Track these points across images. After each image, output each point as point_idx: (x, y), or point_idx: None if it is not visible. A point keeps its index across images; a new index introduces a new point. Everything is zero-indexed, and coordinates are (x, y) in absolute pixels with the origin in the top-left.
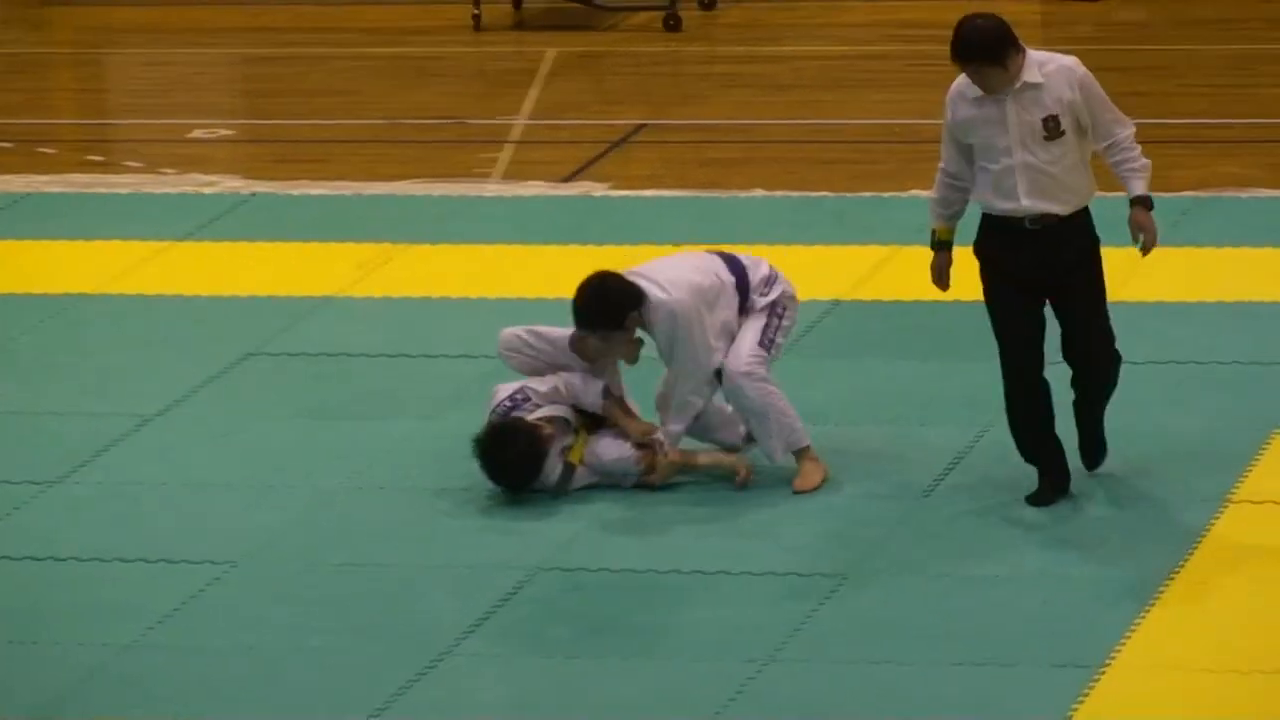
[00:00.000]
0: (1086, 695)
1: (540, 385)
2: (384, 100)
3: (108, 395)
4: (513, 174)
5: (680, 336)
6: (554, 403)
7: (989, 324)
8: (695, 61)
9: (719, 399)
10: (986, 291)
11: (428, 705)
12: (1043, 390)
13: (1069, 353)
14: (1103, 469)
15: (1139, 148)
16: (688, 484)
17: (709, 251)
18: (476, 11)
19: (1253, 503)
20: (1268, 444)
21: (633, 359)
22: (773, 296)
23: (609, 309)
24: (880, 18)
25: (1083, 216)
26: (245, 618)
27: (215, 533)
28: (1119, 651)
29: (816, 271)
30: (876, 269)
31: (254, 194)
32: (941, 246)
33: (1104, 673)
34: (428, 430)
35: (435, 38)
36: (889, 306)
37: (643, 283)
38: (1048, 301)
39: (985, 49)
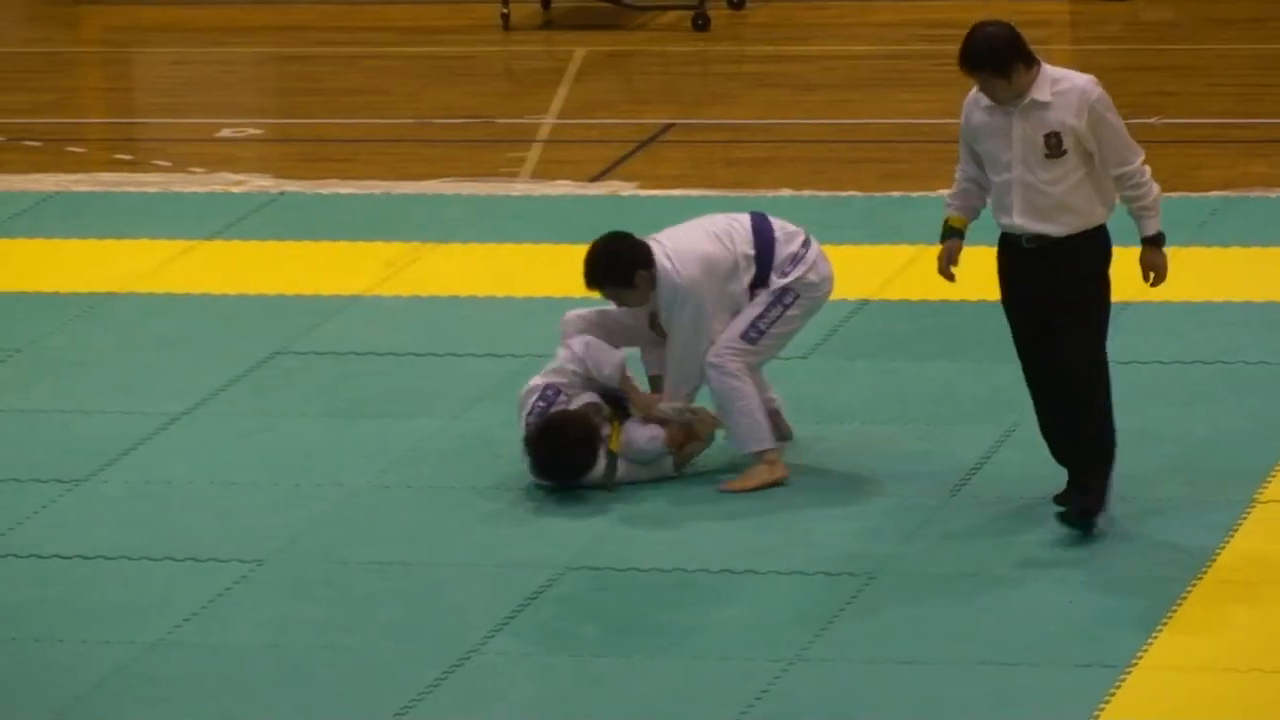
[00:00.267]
0: (1112, 696)
1: (563, 377)
2: (412, 99)
3: (135, 394)
4: (541, 173)
5: (679, 313)
6: (584, 390)
7: None
8: (723, 61)
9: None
10: (1002, 300)
11: (454, 704)
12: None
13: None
14: (1127, 471)
15: (1150, 178)
16: (718, 479)
17: (745, 214)
18: (505, 11)
19: (1279, 503)
20: None
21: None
22: (788, 280)
23: (617, 266)
24: (908, 17)
25: (1087, 238)
26: (272, 616)
27: (242, 531)
28: (1144, 652)
29: (844, 271)
30: (904, 269)
31: (282, 193)
32: (951, 233)
33: (1129, 673)
34: (454, 429)
35: (464, 37)
36: (917, 306)
37: (655, 248)
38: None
39: (989, 59)
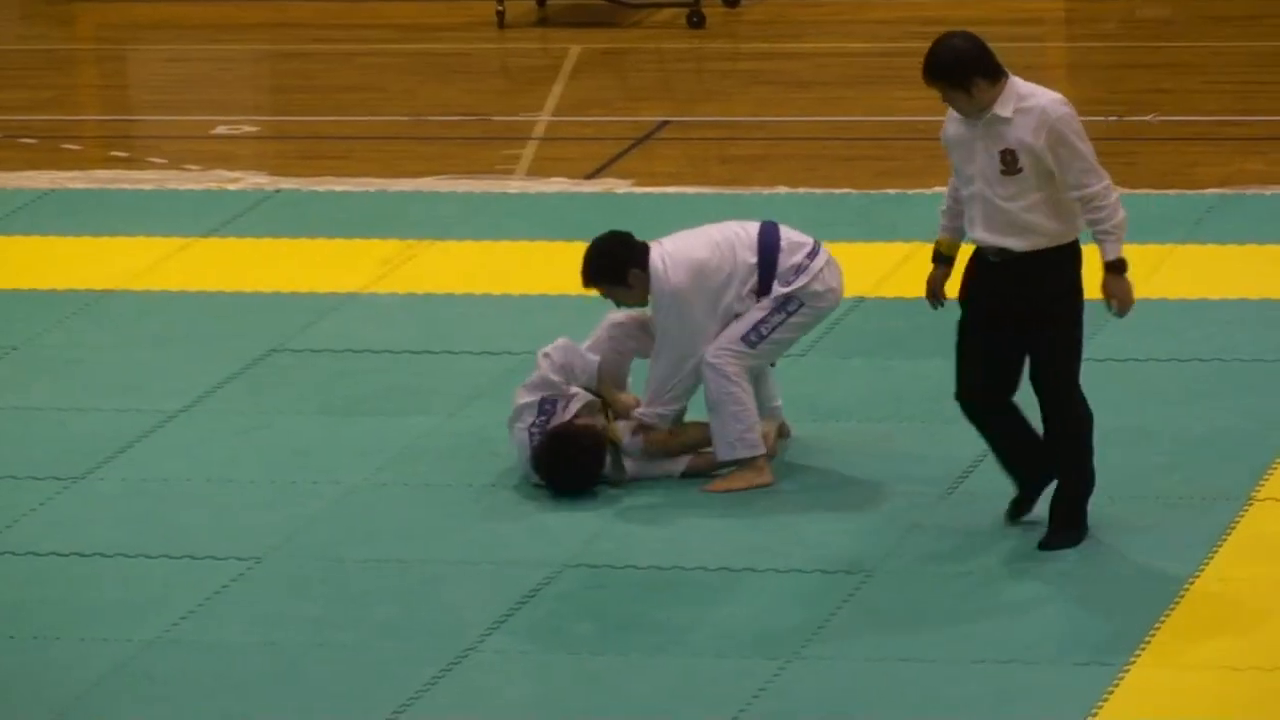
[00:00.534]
0: (1110, 694)
1: (550, 389)
2: (408, 97)
3: (132, 391)
4: (536, 171)
5: (664, 317)
6: (573, 390)
7: None
8: (718, 58)
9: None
10: (959, 301)
11: (451, 702)
12: (993, 411)
13: (1034, 385)
14: (1124, 470)
15: (1113, 203)
16: (713, 479)
17: (756, 222)
18: (500, 8)
19: (1276, 500)
20: None
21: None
22: (792, 288)
23: (611, 264)
24: (903, 14)
25: (1053, 256)
26: (268, 613)
27: (239, 529)
28: (1142, 650)
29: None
30: (899, 266)
31: (278, 190)
32: (939, 260)
33: (1127, 671)
34: (451, 427)
35: (459, 34)
36: (912, 304)
37: (654, 250)
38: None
39: (947, 72)
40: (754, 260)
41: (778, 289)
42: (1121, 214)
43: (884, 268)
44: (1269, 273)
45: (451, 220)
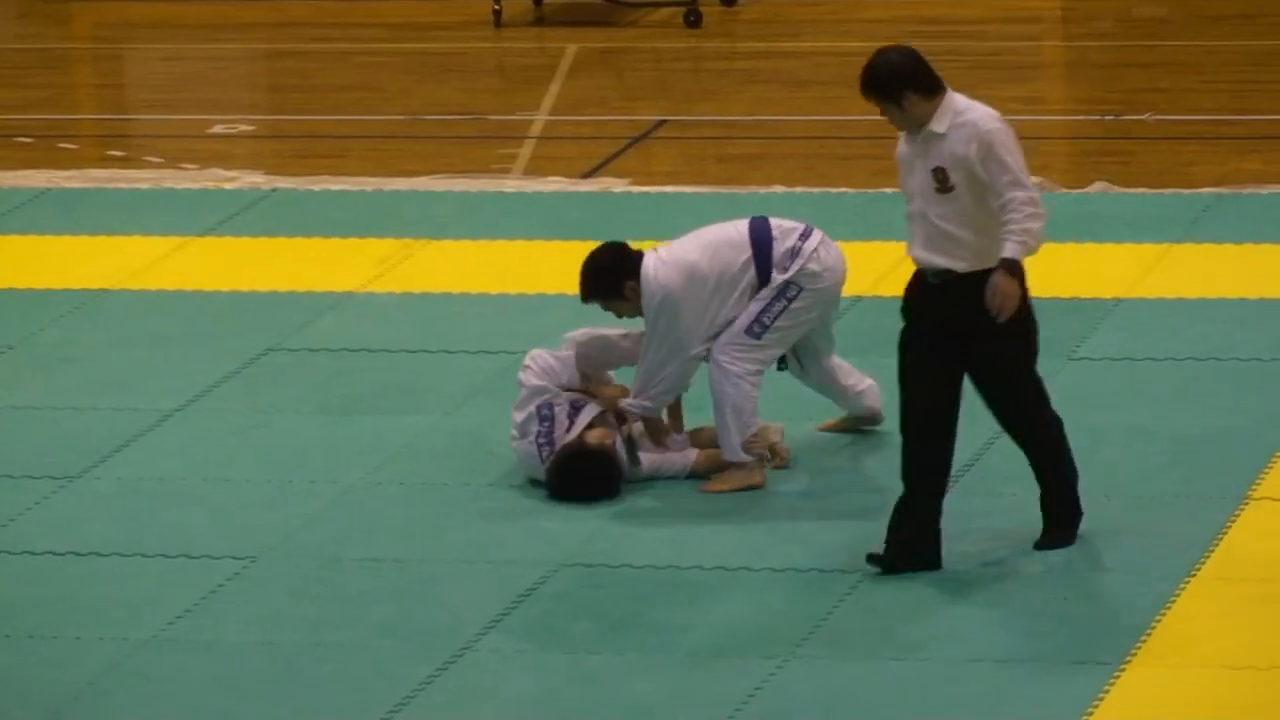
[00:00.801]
0: (1106, 693)
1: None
2: (404, 96)
3: (128, 390)
4: (533, 170)
5: (654, 319)
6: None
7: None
8: (715, 57)
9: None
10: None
11: (448, 701)
12: (920, 437)
13: (989, 406)
14: (1121, 469)
15: (1031, 213)
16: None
17: (745, 220)
18: (497, 7)
19: (1273, 500)
20: None
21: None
22: (790, 274)
23: (606, 279)
24: (899, 13)
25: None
26: (265, 613)
27: (235, 528)
28: (1138, 649)
29: None
30: (896, 265)
31: (274, 189)
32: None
33: (1123, 670)
34: (447, 426)
35: (456, 33)
36: None
37: (648, 257)
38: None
39: (879, 85)
40: (748, 255)
41: (776, 277)
42: (1036, 225)
43: (881, 267)
44: (1265, 272)
45: (448, 219)
